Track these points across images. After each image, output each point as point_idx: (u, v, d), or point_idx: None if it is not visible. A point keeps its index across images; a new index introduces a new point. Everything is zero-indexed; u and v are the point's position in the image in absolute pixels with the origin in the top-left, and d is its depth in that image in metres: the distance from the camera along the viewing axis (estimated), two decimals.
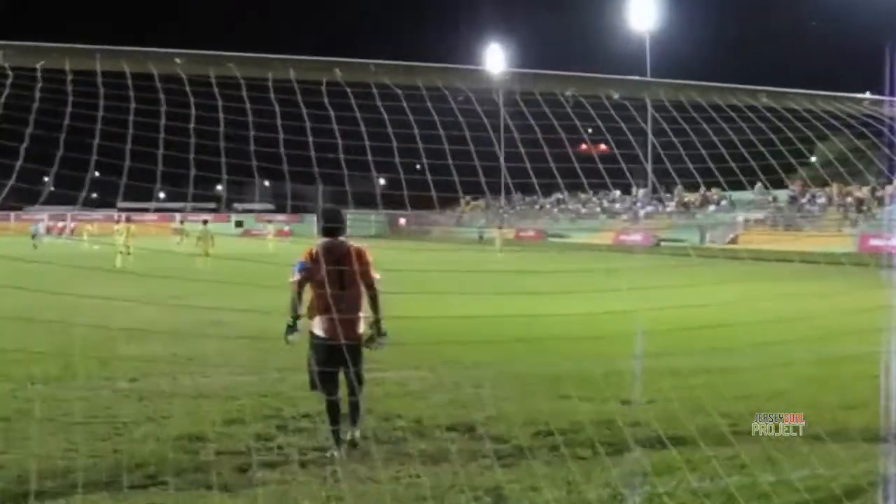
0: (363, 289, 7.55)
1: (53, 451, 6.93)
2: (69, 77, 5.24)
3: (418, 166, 6.78)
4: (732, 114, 7.30)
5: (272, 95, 5.82)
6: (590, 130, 7.40)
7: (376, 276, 7.59)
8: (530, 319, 12.97)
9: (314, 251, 7.52)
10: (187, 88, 5.76)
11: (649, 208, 65.89)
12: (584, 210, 73.52)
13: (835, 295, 13.90)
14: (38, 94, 5.28)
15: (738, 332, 11.42)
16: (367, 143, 6.40)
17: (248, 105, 5.96)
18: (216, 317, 14.10)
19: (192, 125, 5.91)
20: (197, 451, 7.07)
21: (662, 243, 54.15)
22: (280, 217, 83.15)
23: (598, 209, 72.20)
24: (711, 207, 61.45)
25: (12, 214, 72.43)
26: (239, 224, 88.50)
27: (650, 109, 7.36)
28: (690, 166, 7.50)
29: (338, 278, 7.25)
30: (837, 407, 8.64)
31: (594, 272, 16.14)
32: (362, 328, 7.56)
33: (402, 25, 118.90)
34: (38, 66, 5.01)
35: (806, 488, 6.35)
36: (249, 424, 7.86)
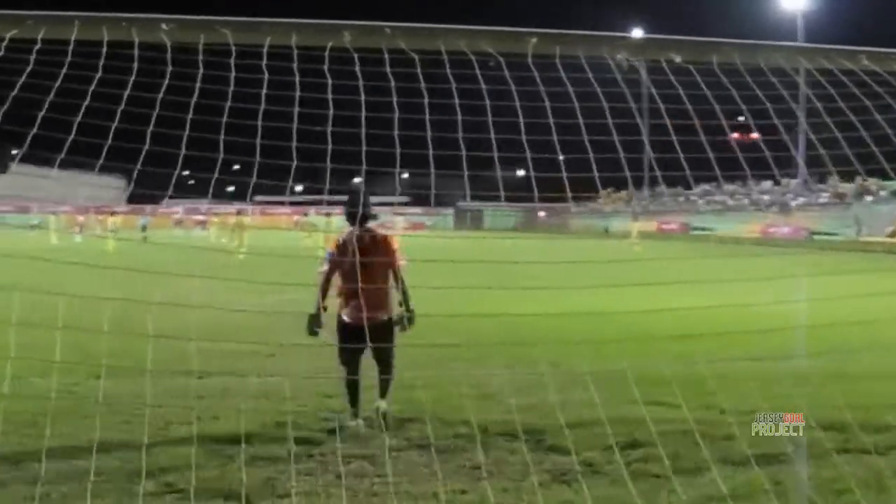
0: (389, 275, 7.81)
1: (80, 452, 6.59)
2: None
3: (561, 157, 6.50)
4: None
5: (388, 69, 5.57)
6: (741, 118, 6.81)
7: (402, 262, 7.89)
8: (640, 315, 11.99)
9: (340, 241, 7.79)
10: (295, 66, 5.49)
11: (801, 199, 62.52)
12: (731, 202, 70.56)
13: None
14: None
15: (871, 330, 10.19)
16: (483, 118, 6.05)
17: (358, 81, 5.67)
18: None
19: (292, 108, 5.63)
20: (232, 456, 6.60)
21: (814, 237, 51.40)
22: (416, 210, 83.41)
23: (746, 200, 69.13)
24: (869, 198, 57.75)
25: (148, 207, 74.30)
26: (374, 217, 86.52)
27: (802, 92, 6.52)
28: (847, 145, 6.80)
29: (364, 266, 7.29)
30: None
31: (715, 262, 15.01)
32: (391, 311, 7.83)
33: (540, 4, 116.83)
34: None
35: None
36: (301, 427, 7.39)
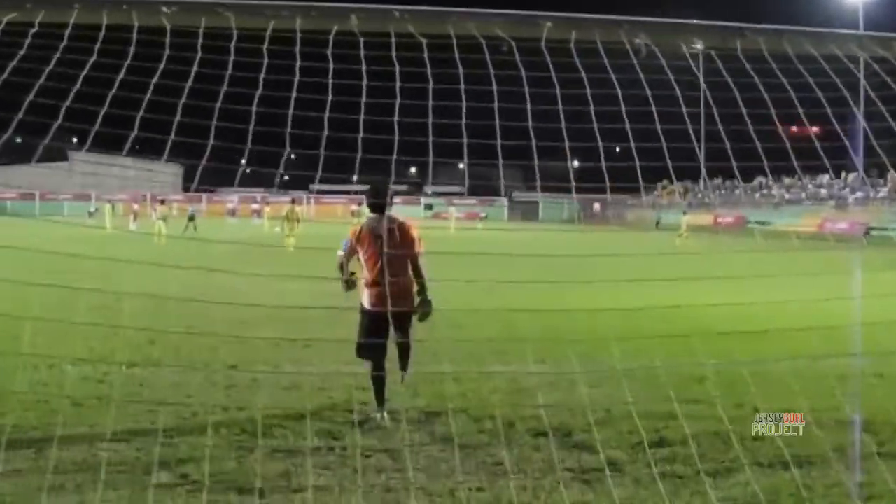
0: (408, 263, 7.79)
1: (102, 440, 6.56)
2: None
3: (618, 149, 6.39)
4: None
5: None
6: (801, 110, 6.53)
7: (420, 250, 7.86)
8: (675, 311, 11.69)
9: (358, 229, 7.86)
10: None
11: (859, 194, 61.06)
12: (788, 195, 69.24)
13: None
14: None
15: None
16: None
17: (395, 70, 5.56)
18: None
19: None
20: (252, 448, 6.54)
21: (872, 232, 50.20)
22: (471, 200, 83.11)
23: (803, 194, 67.74)
24: None
25: (204, 196, 75.06)
26: (429, 207, 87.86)
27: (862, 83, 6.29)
28: None
29: (382, 253, 7.54)
30: None
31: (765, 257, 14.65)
32: (411, 301, 7.79)
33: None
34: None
35: None
36: (325, 420, 7.34)
